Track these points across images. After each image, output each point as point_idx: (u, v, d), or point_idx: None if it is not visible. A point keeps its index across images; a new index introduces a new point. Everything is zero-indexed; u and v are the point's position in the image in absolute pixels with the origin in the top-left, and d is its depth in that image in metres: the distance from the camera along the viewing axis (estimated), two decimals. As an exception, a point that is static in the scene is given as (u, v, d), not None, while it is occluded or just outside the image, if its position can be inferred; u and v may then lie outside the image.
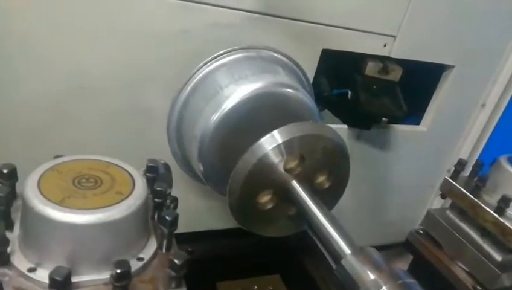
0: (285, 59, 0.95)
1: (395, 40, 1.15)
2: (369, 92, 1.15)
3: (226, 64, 0.88)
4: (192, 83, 0.88)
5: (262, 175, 0.74)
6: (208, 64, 0.88)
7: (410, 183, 1.49)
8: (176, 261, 0.50)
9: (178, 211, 1.12)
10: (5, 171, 0.53)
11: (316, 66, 1.10)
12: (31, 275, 0.48)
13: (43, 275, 0.47)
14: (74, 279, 0.47)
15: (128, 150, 0.98)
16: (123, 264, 0.47)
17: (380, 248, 1.50)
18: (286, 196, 0.77)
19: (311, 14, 1.03)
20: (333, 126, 1.24)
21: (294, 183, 0.75)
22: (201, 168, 0.85)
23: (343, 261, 0.63)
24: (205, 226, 1.22)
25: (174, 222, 0.54)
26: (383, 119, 1.27)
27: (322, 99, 1.32)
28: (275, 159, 0.73)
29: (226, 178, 0.80)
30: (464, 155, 1.53)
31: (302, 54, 1.03)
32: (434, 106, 1.40)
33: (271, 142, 0.73)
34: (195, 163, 0.86)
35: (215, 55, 0.87)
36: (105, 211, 0.48)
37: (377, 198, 1.50)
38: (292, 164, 0.76)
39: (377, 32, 1.13)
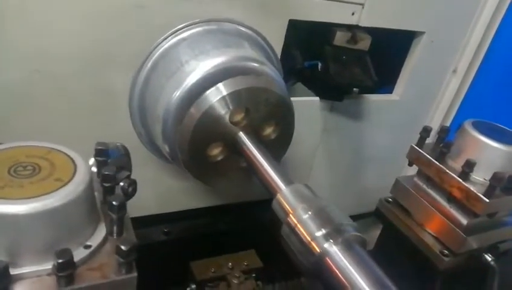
0: (250, 32, 0.93)
1: (363, 7, 1.13)
2: (338, 63, 1.14)
3: (187, 39, 0.85)
4: (152, 60, 0.86)
5: (210, 127, 0.77)
6: (167, 39, 0.85)
7: (384, 152, 1.50)
8: (123, 247, 0.48)
9: (151, 192, 1.13)
10: None
11: (283, 38, 1.07)
12: None
13: None
14: (15, 271, 0.46)
15: (91, 134, 0.95)
16: (65, 253, 0.45)
17: (357, 217, 1.53)
18: (235, 148, 0.80)
19: (276, -17, 1.00)
20: (306, 98, 1.25)
21: (241, 134, 0.80)
22: (167, 149, 0.83)
23: (278, 195, 0.70)
24: (180, 206, 1.20)
25: (121, 207, 0.52)
26: (354, 89, 1.26)
27: (295, 72, 1.30)
28: (221, 111, 0.76)
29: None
30: (436, 122, 1.54)
31: (268, 26, 1.00)
32: (406, 73, 1.40)
33: (216, 94, 0.75)
34: (161, 143, 0.84)
35: (174, 29, 0.84)
36: (42, 199, 0.46)
37: (352, 168, 1.51)
38: (238, 117, 0.79)
39: (345, 1, 1.10)
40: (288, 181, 0.73)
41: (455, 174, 0.91)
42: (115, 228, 0.53)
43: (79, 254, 0.49)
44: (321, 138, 1.35)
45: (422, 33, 1.31)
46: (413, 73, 1.38)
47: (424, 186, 1.00)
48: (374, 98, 1.37)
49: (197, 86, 0.78)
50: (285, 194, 0.70)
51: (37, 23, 0.83)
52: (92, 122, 0.97)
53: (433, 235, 0.98)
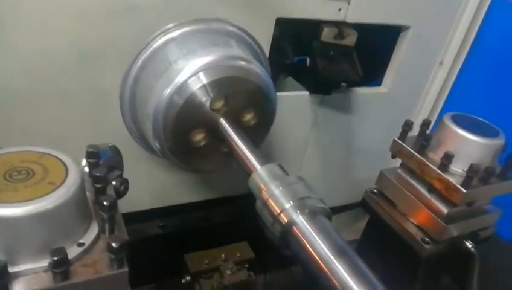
0: (237, 31, 0.95)
1: (349, 4, 1.16)
2: (326, 58, 1.17)
3: (175, 39, 0.88)
4: (141, 59, 0.88)
5: (192, 114, 0.82)
6: (156, 39, 0.87)
7: (373, 144, 1.53)
8: (114, 244, 0.52)
9: (145, 187, 1.16)
10: None
11: (271, 35, 1.10)
12: None
13: None
14: (13, 269, 0.49)
15: (84, 133, 0.98)
16: (59, 251, 0.49)
17: (348, 207, 1.56)
18: (217, 133, 0.85)
19: (263, -18, 1.02)
20: (296, 93, 1.28)
21: (222, 120, 0.85)
22: (158, 146, 0.86)
23: (252, 174, 0.77)
24: (174, 200, 1.24)
25: (112, 206, 0.55)
26: (342, 84, 1.29)
27: (285, 67, 1.33)
28: (202, 98, 0.81)
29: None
30: (424, 114, 1.58)
31: (256, 24, 1.03)
32: (393, 66, 1.43)
33: (197, 82, 0.80)
34: (151, 140, 0.88)
35: (163, 29, 0.87)
36: (36, 202, 0.49)
37: (342, 160, 1.54)
38: (219, 104, 0.84)
39: (331, -3, 1.13)
40: (263, 162, 0.78)
41: (435, 166, 0.93)
42: (106, 226, 0.56)
43: (73, 252, 0.52)
44: (311, 131, 1.38)
45: (408, 27, 1.34)
46: (401, 66, 1.41)
47: (407, 178, 1.03)
48: (363, 91, 1.40)
49: (185, 85, 0.81)
50: (259, 173, 0.76)
51: (28, 24, 0.85)
52: (84, 120, 0.99)
53: (415, 225, 1.01)
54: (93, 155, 0.62)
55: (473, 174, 0.88)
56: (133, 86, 0.90)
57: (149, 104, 0.84)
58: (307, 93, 1.29)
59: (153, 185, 1.17)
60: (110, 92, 0.95)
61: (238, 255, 1.11)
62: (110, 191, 0.63)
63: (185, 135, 0.85)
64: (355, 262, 0.62)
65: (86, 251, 0.54)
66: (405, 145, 1.00)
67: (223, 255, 1.09)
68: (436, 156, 0.96)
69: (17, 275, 0.50)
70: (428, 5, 1.32)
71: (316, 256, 0.63)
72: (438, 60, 1.50)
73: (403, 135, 1.02)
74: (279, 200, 0.70)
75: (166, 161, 0.93)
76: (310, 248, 0.64)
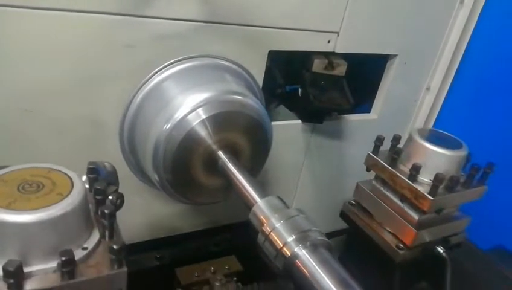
0: (232, 65, 0.99)
1: (338, 36, 1.21)
2: (317, 88, 1.20)
3: (172, 76, 0.91)
4: (140, 96, 0.91)
5: (191, 148, 0.85)
6: (154, 76, 0.90)
7: (364, 168, 1.56)
8: (114, 246, 0.58)
9: (142, 218, 1.17)
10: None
11: (264, 67, 1.14)
12: None
13: None
14: (26, 269, 0.54)
15: (81, 166, 0.99)
16: (67, 252, 0.54)
17: (342, 231, 1.57)
18: (216, 166, 0.88)
19: (255, 18, 1.06)
20: (288, 122, 1.31)
21: (220, 153, 0.88)
22: (157, 178, 0.88)
23: (253, 208, 0.79)
24: (171, 231, 1.24)
25: (112, 214, 0.62)
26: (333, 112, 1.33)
27: (277, 96, 1.37)
28: (201, 132, 0.85)
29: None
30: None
31: (249, 57, 1.07)
32: (382, 93, 1.47)
33: (196, 118, 0.84)
34: (151, 173, 0.89)
35: (160, 67, 0.90)
36: (47, 210, 0.56)
37: (335, 184, 1.55)
38: (217, 137, 0.87)
39: (320, 30, 1.17)
40: (262, 194, 0.81)
41: (405, 177, 1.01)
42: (106, 232, 0.62)
43: (78, 254, 0.58)
44: (305, 158, 1.41)
45: (395, 56, 1.39)
46: (389, 92, 1.46)
47: (381, 189, 1.11)
48: (353, 118, 1.44)
49: (185, 120, 0.84)
50: (260, 206, 0.78)
51: (28, 64, 0.87)
52: (82, 155, 1.00)
53: (390, 232, 1.08)
54: (93, 171, 0.69)
55: (438, 182, 0.95)
56: (132, 121, 0.92)
57: (149, 138, 0.86)
58: (299, 121, 1.32)
59: (149, 216, 1.18)
60: (109, 128, 0.97)
61: (227, 267, 1.15)
62: (108, 204, 0.67)
63: (184, 168, 0.87)
64: None
65: (89, 254, 0.60)
66: (378, 159, 1.08)
67: (212, 268, 1.13)
68: (406, 167, 1.03)
69: (29, 274, 0.55)
70: (414, 34, 1.38)
71: (319, 289, 0.65)
72: (425, 86, 1.55)
73: (376, 150, 1.11)
74: (281, 234, 0.71)
75: (163, 193, 0.95)
76: (313, 281, 0.66)
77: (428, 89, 1.56)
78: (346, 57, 1.25)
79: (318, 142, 1.39)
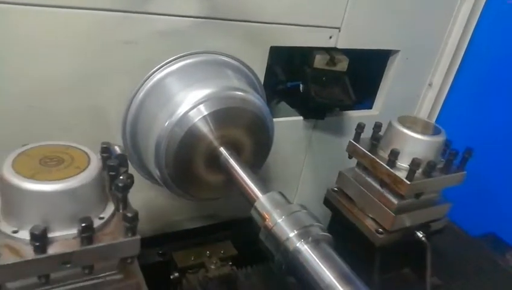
0: (233, 61, 0.99)
1: (339, 31, 1.21)
2: (318, 84, 1.21)
3: (175, 72, 0.91)
4: (142, 93, 0.91)
5: (193, 144, 0.86)
6: (156, 73, 0.90)
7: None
8: (128, 214, 0.64)
9: (144, 214, 1.16)
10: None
11: (265, 63, 1.14)
12: (15, 235, 0.61)
13: (24, 235, 0.60)
14: (49, 235, 0.60)
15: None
16: (86, 219, 0.60)
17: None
18: (217, 162, 0.89)
19: (256, 14, 1.06)
20: (290, 118, 1.31)
21: (222, 149, 0.88)
22: (159, 174, 0.88)
23: (255, 203, 0.80)
24: (174, 227, 1.25)
25: (125, 187, 0.67)
26: (335, 108, 1.33)
27: (279, 92, 1.37)
28: (203, 128, 0.85)
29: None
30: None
31: (250, 53, 1.07)
32: (384, 89, 1.47)
33: (197, 114, 0.84)
34: (152, 168, 0.90)
35: (161, 64, 0.90)
36: (67, 181, 0.62)
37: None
38: (218, 133, 0.87)
39: (322, 26, 1.18)
40: (264, 190, 0.82)
41: (384, 162, 1.03)
42: (120, 204, 0.68)
43: (95, 223, 0.63)
44: (306, 154, 1.41)
45: (397, 51, 1.39)
46: (391, 88, 1.46)
47: (363, 175, 1.12)
48: (355, 114, 1.44)
49: (186, 117, 0.84)
50: (262, 202, 0.79)
51: (29, 60, 0.88)
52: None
53: (371, 217, 1.10)
54: (106, 150, 0.75)
55: (415, 167, 0.97)
56: (134, 118, 0.93)
57: (151, 135, 0.87)
58: (301, 118, 1.32)
59: (152, 212, 1.18)
60: (111, 125, 0.97)
61: (222, 252, 1.19)
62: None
63: (186, 164, 0.88)
64: (361, 289, 0.65)
65: (105, 224, 0.66)
66: (358, 145, 1.11)
67: (207, 252, 1.17)
68: (386, 154, 1.05)
69: (52, 240, 0.61)
70: (416, 30, 1.37)
71: (322, 284, 0.66)
72: (427, 82, 1.54)
73: (357, 137, 1.12)
74: (283, 229, 0.72)
75: (165, 189, 0.95)
76: (315, 276, 0.67)
77: (430, 85, 1.56)
78: (348, 52, 1.25)
79: (319, 138, 1.40)
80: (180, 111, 0.85)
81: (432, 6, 1.36)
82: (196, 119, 0.84)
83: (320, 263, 0.67)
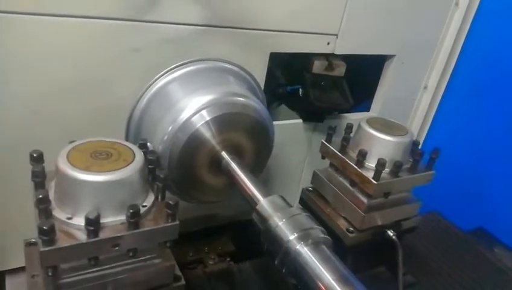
0: (235, 68, 1.02)
1: (337, 37, 1.25)
2: (317, 89, 1.24)
3: (177, 79, 0.94)
4: (146, 98, 0.94)
5: (195, 148, 0.89)
6: (158, 79, 0.93)
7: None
8: (171, 201, 0.71)
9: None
10: (35, 155, 0.73)
11: (265, 69, 1.18)
12: (69, 221, 0.67)
13: (78, 221, 0.66)
14: (101, 221, 0.66)
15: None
16: (134, 206, 0.67)
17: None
18: (219, 166, 0.91)
19: (256, 21, 1.10)
20: (290, 122, 1.34)
21: (224, 153, 0.91)
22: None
23: (257, 206, 0.83)
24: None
25: (165, 178, 0.75)
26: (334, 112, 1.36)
27: (279, 96, 1.40)
28: (205, 134, 0.88)
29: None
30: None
31: (251, 60, 1.10)
32: (380, 92, 1.52)
33: (200, 119, 0.87)
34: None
35: (165, 71, 0.93)
36: (117, 172, 0.69)
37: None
38: (220, 138, 0.90)
39: (320, 33, 1.21)
40: (265, 193, 0.84)
41: (353, 163, 1.05)
42: (160, 194, 0.75)
43: (140, 210, 0.70)
44: (306, 157, 1.44)
45: (392, 56, 1.43)
46: (388, 91, 1.50)
47: (335, 175, 1.14)
48: (353, 117, 1.47)
49: (189, 122, 0.88)
50: (263, 205, 0.81)
51: (36, 67, 0.90)
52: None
53: (343, 217, 1.12)
54: (144, 146, 0.82)
55: (380, 167, 0.99)
56: (138, 123, 0.95)
57: (154, 139, 0.89)
58: (300, 121, 1.35)
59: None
60: (115, 129, 0.99)
61: (220, 248, 1.22)
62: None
63: (189, 168, 0.90)
64: None
65: (148, 211, 0.73)
66: (329, 146, 1.13)
67: (206, 248, 1.20)
68: (355, 154, 1.07)
69: (103, 225, 0.67)
70: (411, 35, 1.42)
71: (322, 286, 0.67)
72: (423, 85, 1.58)
73: (329, 138, 1.15)
74: (284, 232, 0.74)
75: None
76: (315, 278, 0.69)
77: (425, 88, 1.60)
78: (346, 58, 1.29)
79: (319, 141, 1.41)
80: (183, 116, 0.87)
81: (427, 12, 1.41)
82: (199, 125, 0.87)
83: (319, 265, 0.69)
